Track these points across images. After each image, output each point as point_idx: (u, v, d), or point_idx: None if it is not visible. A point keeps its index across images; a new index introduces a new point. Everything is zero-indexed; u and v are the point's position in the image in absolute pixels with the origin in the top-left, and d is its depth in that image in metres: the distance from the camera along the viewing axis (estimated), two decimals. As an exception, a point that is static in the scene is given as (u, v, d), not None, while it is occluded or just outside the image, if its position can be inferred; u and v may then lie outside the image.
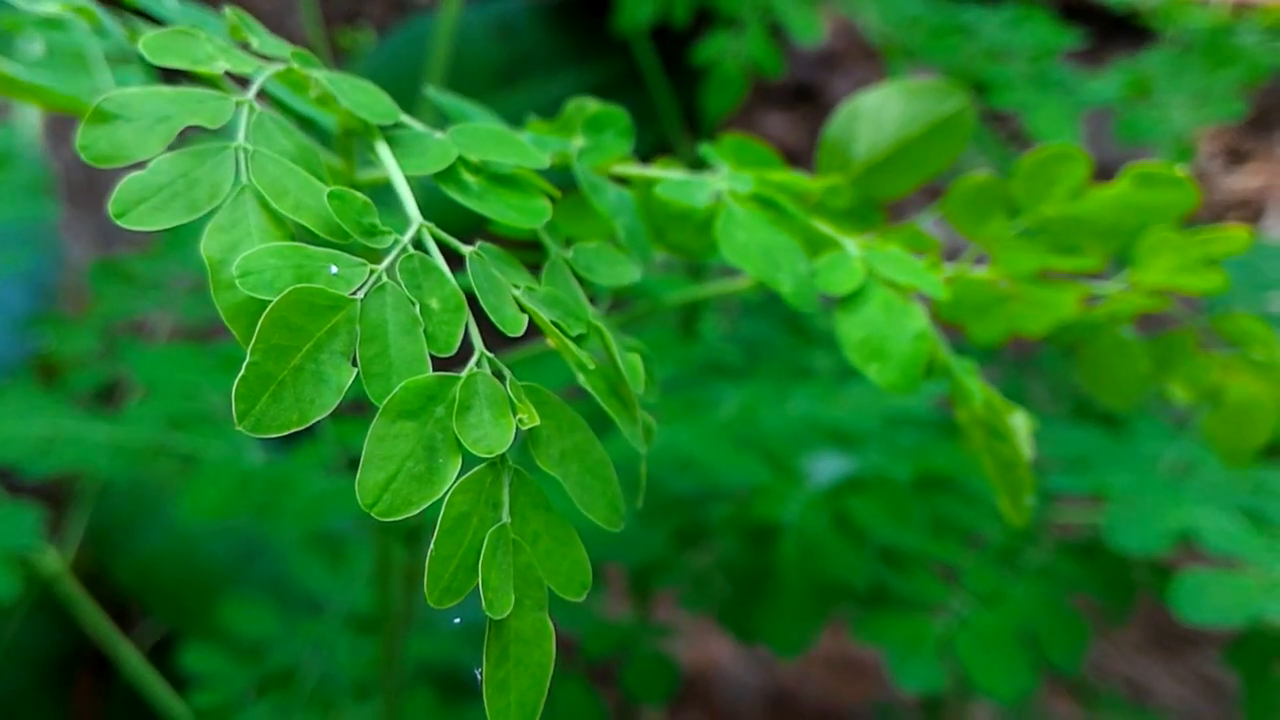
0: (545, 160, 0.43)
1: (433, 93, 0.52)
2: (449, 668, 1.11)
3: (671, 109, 1.25)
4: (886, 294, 0.48)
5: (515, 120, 1.89)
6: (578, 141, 0.50)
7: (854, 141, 0.52)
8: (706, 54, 1.03)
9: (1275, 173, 2.57)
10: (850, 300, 0.48)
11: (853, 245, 0.50)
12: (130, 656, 1.13)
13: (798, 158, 2.08)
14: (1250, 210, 2.40)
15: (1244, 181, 2.55)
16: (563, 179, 0.50)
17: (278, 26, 2.04)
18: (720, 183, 0.50)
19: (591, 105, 0.51)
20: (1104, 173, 0.63)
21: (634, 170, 0.51)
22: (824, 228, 0.50)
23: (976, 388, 0.49)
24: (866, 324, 0.47)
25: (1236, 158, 2.60)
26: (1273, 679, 0.90)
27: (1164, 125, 1.02)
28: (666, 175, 0.50)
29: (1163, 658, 1.66)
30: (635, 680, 1.04)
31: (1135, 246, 0.54)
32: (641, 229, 0.48)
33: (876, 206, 0.54)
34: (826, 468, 0.95)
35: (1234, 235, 0.54)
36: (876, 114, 0.51)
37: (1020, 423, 0.49)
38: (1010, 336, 0.56)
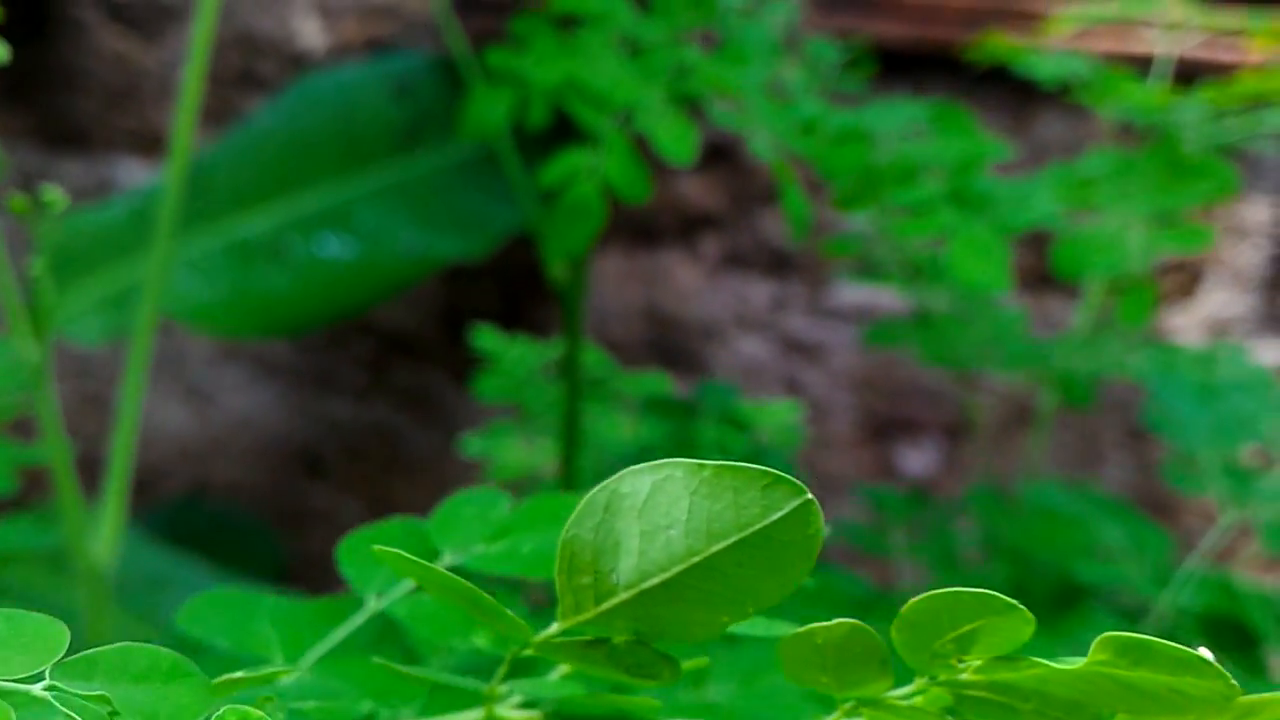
0: None
1: None
2: None
3: (532, 195, 1.03)
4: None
5: (420, 184, 1.66)
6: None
7: (613, 553, 0.30)
8: (555, 174, 0.81)
9: (1214, 234, 2.46)
10: None
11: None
12: None
13: (715, 221, 1.88)
14: (1187, 274, 2.26)
15: (1178, 242, 2.43)
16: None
17: (161, 88, 1.80)
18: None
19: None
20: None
21: None
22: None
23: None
24: None
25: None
26: None
27: (1113, 252, 0.82)
28: None
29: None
30: None
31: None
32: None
33: (662, 655, 0.33)
34: None
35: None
36: (652, 510, 0.29)
37: None
38: None
